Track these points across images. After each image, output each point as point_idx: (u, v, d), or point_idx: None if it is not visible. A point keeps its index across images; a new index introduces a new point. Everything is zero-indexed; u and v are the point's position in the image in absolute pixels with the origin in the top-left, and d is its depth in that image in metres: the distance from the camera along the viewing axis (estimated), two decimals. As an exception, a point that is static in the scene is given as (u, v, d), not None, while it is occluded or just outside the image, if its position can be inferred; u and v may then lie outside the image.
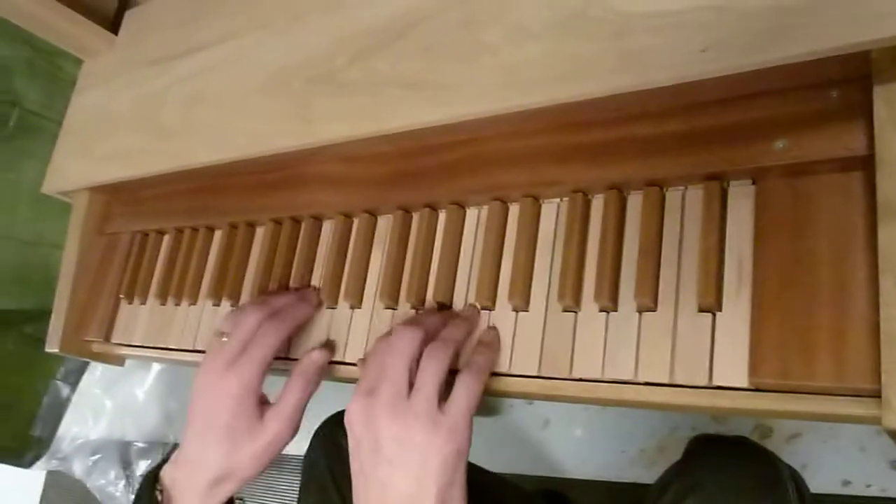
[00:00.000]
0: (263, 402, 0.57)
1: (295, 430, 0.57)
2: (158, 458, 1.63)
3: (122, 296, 0.81)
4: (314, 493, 0.75)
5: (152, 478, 0.57)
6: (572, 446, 1.19)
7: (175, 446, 1.60)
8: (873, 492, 0.96)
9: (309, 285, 0.65)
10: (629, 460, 1.14)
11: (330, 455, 0.76)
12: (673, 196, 0.48)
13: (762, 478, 0.59)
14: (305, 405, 0.58)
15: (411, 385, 0.48)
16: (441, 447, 0.46)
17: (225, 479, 0.55)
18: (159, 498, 0.55)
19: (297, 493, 0.80)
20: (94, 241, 0.86)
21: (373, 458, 0.47)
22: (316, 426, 0.82)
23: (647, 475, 1.11)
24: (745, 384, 0.42)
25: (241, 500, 0.58)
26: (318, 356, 0.59)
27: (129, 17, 0.85)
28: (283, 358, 0.62)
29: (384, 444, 0.47)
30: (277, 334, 0.57)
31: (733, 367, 0.42)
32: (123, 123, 0.79)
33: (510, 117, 0.51)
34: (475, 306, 0.54)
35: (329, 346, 0.61)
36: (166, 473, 0.57)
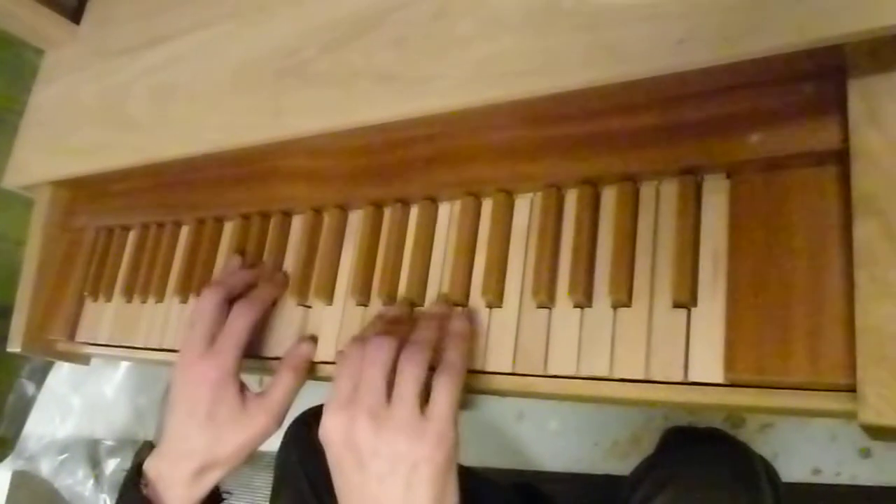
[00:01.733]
0: (245, 391, 0.57)
1: (280, 423, 0.57)
2: (129, 456, 1.61)
3: (86, 293, 0.79)
4: (288, 495, 0.74)
5: (136, 472, 0.56)
6: (547, 439, 1.19)
7: (146, 443, 1.59)
8: (843, 479, 0.97)
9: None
10: (603, 452, 1.14)
11: (304, 454, 0.75)
12: (647, 190, 0.47)
13: (735, 470, 0.59)
14: (293, 399, 0.57)
15: (389, 393, 0.47)
16: (430, 455, 0.44)
17: (210, 467, 0.55)
18: (144, 491, 0.54)
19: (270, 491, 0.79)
20: (57, 238, 0.84)
21: (359, 476, 0.46)
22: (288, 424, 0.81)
23: (622, 467, 1.12)
24: (720, 380, 0.41)
25: (228, 493, 0.58)
26: (306, 349, 0.58)
27: (92, 7, 0.83)
28: (256, 357, 0.61)
29: (369, 460, 0.45)
30: (248, 317, 0.57)
31: (709, 363, 0.42)
32: (87, 116, 0.77)
33: (483, 111, 0.50)
34: (447, 298, 0.53)
35: (314, 339, 0.59)
36: (150, 466, 0.56)
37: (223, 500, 0.59)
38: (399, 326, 0.51)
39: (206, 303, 0.58)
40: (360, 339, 0.50)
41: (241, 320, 0.57)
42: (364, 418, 0.46)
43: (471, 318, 0.51)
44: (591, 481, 1.13)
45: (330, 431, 0.47)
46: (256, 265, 0.64)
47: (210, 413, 0.54)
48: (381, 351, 0.48)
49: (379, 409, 0.46)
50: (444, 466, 0.45)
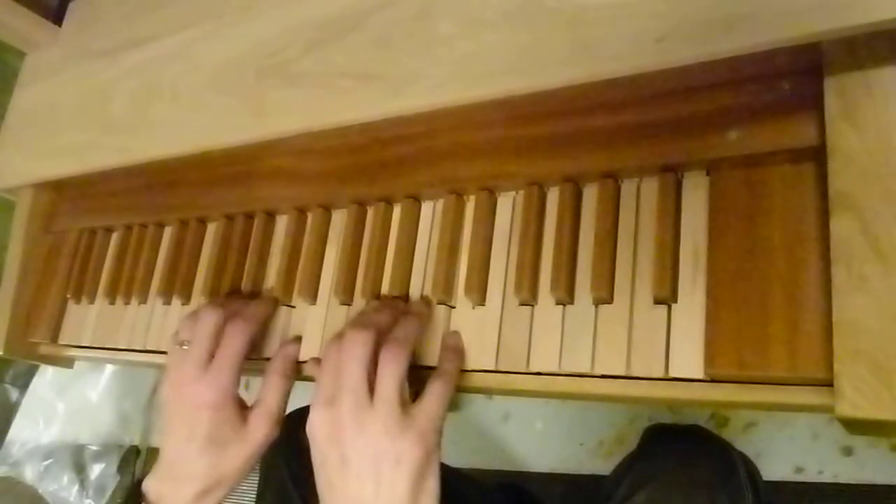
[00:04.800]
0: (243, 406, 0.56)
1: (279, 427, 0.57)
2: (114, 461, 1.59)
3: (69, 296, 0.79)
4: (273, 495, 0.74)
5: (136, 493, 0.55)
6: (532, 440, 1.20)
7: (131, 448, 1.58)
8: (825, 478, 0.98)
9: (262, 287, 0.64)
10: (588, 452, 1.15)
11: (289, 455, 0.74)
12: (628, 188, 0.48)
13: (715, 466, 0.59)
14: (287, 401, 0.57)
15: (371, 388, 0.47)
16: (410, 453, 0.45)
17: (214, 489, 0.54)
18: None
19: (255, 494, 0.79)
20: (39, 240, 0.83)
21: (341, 474, 0.46)
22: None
23: (606, 467, 1.12)
24: (700, 375, 0.42)
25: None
26: (292, 350, 0.58)
27: (74, 8, 0.83)
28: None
29: (351, 458, 0.46)
30: (244, 335, 0.56)
31: (689, 359, 0.42)
32: (69, 118, 0.76)
33: (465, 109, 0.50)
34: (428, 298, 0.53)
35: (298, 339, 0.59)
36: (150, 487, 0.55)
37: None
38: (378, 318, 0.51)
39: (208, 321, 0.56)
40: (340, 335, 0.50)
41: (237, 338, 0.55)
42: (347, 416, 0.46)
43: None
44: (577, 481, 1.13)
45: (315, 428, 0.48)
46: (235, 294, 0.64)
47: (210, 436, 0.53)
48: (357, 345, 0.48)
49: (361, 406, 0.46)
50: (423, 464, 0.45)
